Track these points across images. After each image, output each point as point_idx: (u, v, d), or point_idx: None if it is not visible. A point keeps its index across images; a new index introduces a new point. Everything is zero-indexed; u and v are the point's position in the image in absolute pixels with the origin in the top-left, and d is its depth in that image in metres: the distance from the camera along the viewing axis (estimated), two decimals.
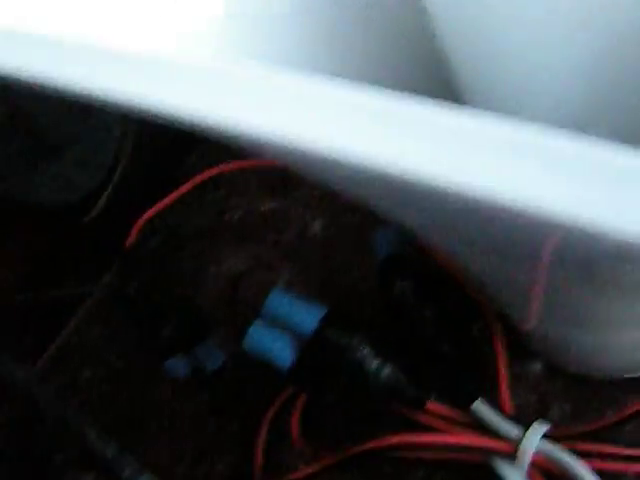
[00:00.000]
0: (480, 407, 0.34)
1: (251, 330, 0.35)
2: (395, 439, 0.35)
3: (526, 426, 0.33)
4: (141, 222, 0.42)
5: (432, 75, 0.28)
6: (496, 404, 0.35)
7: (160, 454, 0.41)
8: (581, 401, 0.36)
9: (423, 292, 0.37)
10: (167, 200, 0.43)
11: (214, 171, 0.45)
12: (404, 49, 0.29)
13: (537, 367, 0.37)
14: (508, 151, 0.14)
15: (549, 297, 0.27)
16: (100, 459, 0.38)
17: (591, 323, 0.31)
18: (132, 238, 0.42)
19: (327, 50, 0.29)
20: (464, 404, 0.35)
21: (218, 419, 0.41)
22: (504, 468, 0.33)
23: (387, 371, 0.34)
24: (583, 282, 0.24)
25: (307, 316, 0.34)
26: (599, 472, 0.32)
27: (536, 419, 0.34)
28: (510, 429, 0.34)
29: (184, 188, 0.44)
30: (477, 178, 0.14)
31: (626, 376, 0.36)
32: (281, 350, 0.34)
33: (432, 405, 0.35)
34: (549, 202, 0.14)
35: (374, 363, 0.34)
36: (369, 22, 0.29)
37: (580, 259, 0.21)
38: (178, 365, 0.42)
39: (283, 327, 0.35)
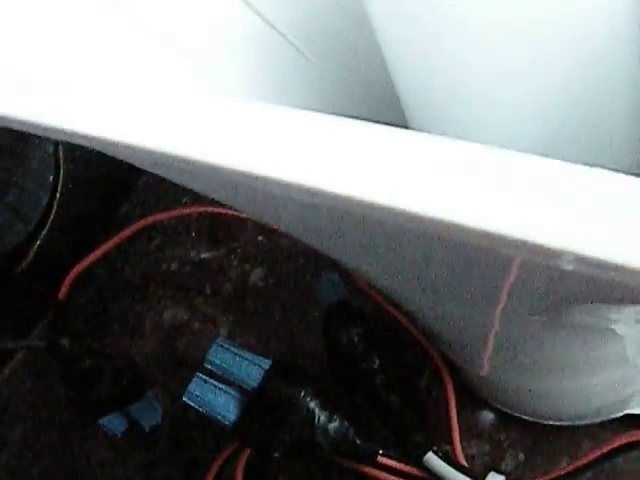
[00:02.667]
0: (432, 460, 0.33)
1: (192, 385, 0.33)
2: None
3: (480, 478, 0.32)
4: (73, 273, 0.40)
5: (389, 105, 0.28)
6: (449, 456, 0.33)
7: None
8: (535, 449, 0.35)
9: (371, 341, 0.35)
10: (101, 250, 0.42)
11: (149, 220, 0.43)
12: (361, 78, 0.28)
13: (489, 416, 0.36)
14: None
15: (503, 343, 0.26)
16: None
17: (543, 369, 0.30)
18: (64, 290, 0.40)
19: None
20: (416, 457, 0.33)
21: (156, 478, 0.39)
22: None
23: (335, 424, 0.33)
24: (538, 322, 0.23)
25: (251, 369, 0.33)
26: None
27: (490, 470, 0.33)
28: None
29: (118, 238, 0.42)
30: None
31: (579, 423, 0.35)
32: (224, 405, 0.33)
33: (383, 458, 0.33)
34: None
35: (322, 416, 0.33)
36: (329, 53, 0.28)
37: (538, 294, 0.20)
38: (114, 422, 0.40)
39: (226, 380, 0.33)
